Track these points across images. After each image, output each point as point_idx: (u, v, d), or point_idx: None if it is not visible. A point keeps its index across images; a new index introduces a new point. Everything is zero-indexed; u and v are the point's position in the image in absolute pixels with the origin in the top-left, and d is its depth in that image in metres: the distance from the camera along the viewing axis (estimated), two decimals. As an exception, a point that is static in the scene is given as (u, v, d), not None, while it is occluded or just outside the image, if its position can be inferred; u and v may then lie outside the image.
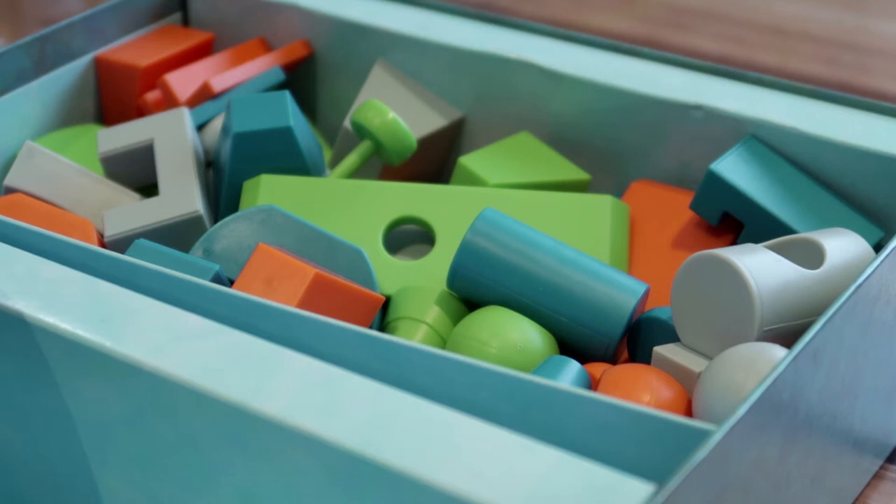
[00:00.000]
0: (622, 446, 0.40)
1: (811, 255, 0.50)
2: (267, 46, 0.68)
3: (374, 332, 0.43)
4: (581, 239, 0.56)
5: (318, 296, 0.48)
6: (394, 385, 0.40)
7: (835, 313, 0.44)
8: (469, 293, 0.52)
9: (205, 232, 0.55)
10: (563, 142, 0.63)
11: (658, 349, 0.49)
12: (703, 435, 0.39)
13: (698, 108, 0.59)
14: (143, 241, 0.50)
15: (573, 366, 0.47)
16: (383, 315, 0.54)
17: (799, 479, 0.45)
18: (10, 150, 0.62)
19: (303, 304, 0.47)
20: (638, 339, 0.52)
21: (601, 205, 0.57)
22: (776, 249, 0.50)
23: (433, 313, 0.52)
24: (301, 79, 0.69)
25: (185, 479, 0.42)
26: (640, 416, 0.40)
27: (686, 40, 0.91)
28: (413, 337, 0.52)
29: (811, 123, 0.57)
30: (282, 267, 0.47)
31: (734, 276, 0.47)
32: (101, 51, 0.66)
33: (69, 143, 0.62)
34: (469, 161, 0.60)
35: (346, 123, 0.63)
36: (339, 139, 0.63)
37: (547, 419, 0.41)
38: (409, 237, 0.57)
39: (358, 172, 0.61)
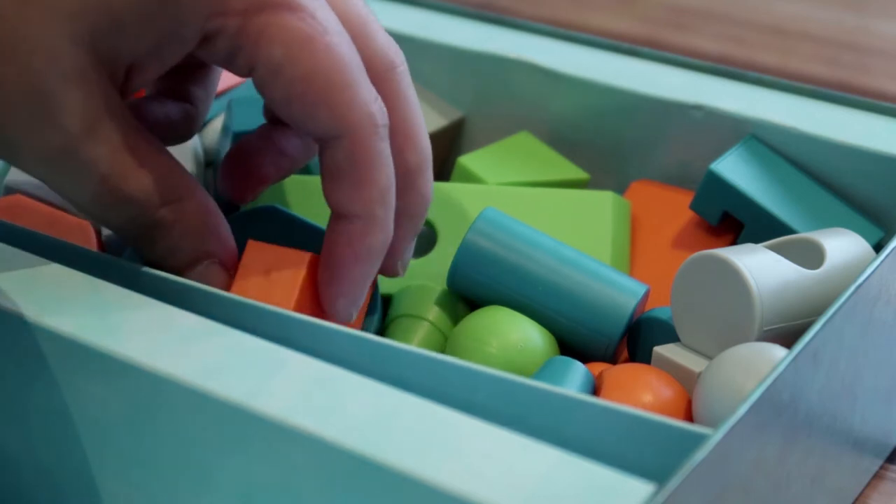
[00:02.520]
0: (622, 449, 0.40)
1: (811, 255, 0.50)
2: (267, 46, 0.68)
3: (372, 336, 0.43)
4: (582, 235, 0.56)
5: (316, 279, 0.47)
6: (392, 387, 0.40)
7: (835, 313, 0.44)
8: (469, 293, 0.52)
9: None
10: (563, 142, 0.63)
11: (658, 349, 0.49)
12: (702, 437, 0.39)
13: (698, 108, 0.59)
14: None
15: (578, 368, 0.47)
16: (385, 313, 0.54)
17: (799, 479, 0.45)
18: (10, 150, 0.62)
19: (304, 290, 0.46)
20: (638, 339, 0.52)
21: (602, 201, 0.57)
22: (776, 249, 0.50)
23: (435, 311, 0.52)
24: (301, 79, 0.69)
25: (185, 479, 0.42)
26: (640, 420, 0.40)
27: (686, 40, 0.91)
28: (415, 335, 0.52)
29: (811, 123, 0.57)
30: (276, 257, 0.47)
31: (734, 276, 0.47)
32: (101, 51, 0.66)
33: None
34: (469, 161, 0.60)
35: (346, 123, 0.63)
36: (339, 139, 0.63)
37: (546, 423, 0.41)
38: (409, 237, 0.57)
39: (358, 172, 0.61)
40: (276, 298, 0.46)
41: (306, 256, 0.47)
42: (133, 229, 0.45)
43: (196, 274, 0.46)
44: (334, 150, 0.45)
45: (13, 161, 0.44)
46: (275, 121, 0.51)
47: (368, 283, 0.47)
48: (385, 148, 0.46)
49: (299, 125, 0.46)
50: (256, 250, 0.47)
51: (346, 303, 0.47)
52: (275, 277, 0.47)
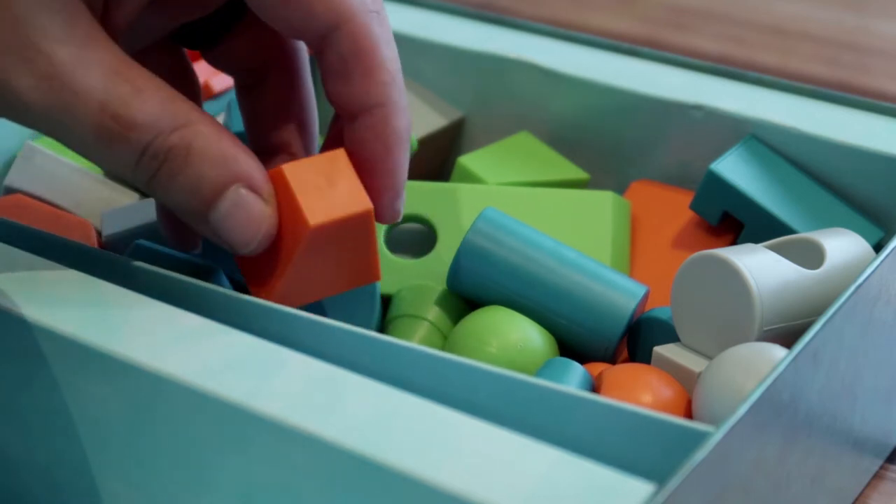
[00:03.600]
0: (622, 448, 0.40)
1: (811, 255, 0.50)
2: (267, 46, 0.68)
3: (373, 333, 0.43)
4: (582, 235, 0.56)
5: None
6: (392, 386, 0.40)
7: (835, 313, 0.44)
8: (469, 293, 0.52)
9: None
10: (563, 142, 0.63)
11: (658, 349, 0.49)
12: (702, 436, 0.39)
13: (698, 108, 0.59)
14: (142, 242, 0.50)
15: (577, 369, 0.47)
16: (385, 313, 0.54)
17: (799, 479, 0.45)
18: (10, 150, 0.62)
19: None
20: (638, 339, 0.52)
21: (602, 201, 0.57)
22: (776, 249, 0.50)
23: (435, 311, 0.52)
24: (301, 79, 0.69)
25: (185, 479, 0.42)
26: (640, 417, 0.40)
27: (686, 40, 0.91)
28: (415, 334, 0.52)
29: (811, 123, 0.57)
30: (314, 165, 0.45)
31: (734, 276, 0.47)
32: (101, 51, 0.66)
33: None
34: (468, 161, 0.60)
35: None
36: (339, 139, 0.63)
37: (546, 421, 0.41)
38: (410, 235, 0.57)
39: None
40: (347, 199, 0.44)
41: (341, 152, 0.45)
42: (148, 166, 0.42)
43: (228, 205, 0.43)
44: (336, 44, 0.44)
45: (11, 113, 0.42)
46: None
47: (406, 171, 0.46)
48: (384, 33, 0.45)
49: (297, 25, 0.44)
50: (293, 169, 0.44)
51: (392, 196, 0.46)
52: (331, 182, 0.44)
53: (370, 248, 0.46)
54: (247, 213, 0.43)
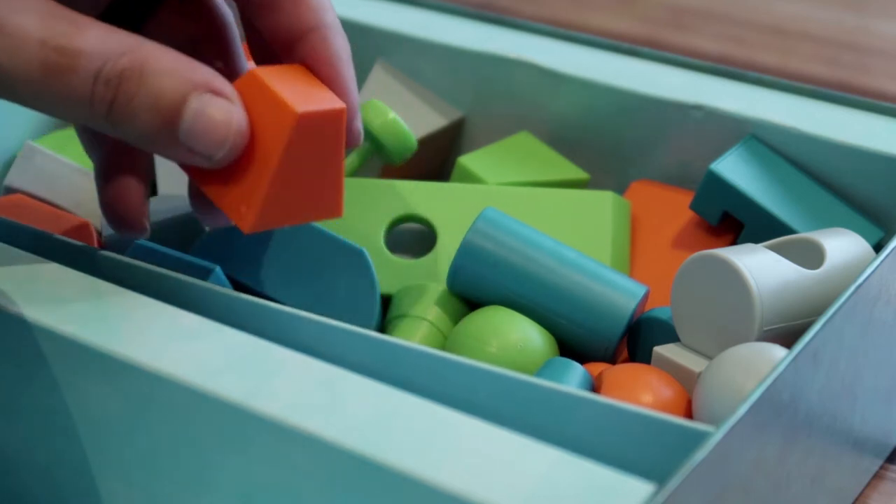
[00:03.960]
0: (622, 448, 0.40)
1: (811, 255, 0.50)
2: (267, 46, 0.68)
3: (373, 333, 0.43)
4: (582, 235, 0.56)
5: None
6: (392, 386, 0.40)
7: (835, 313, 0.44)
8: (469, 293, 0.52)
9: (203, 231, 0.54)
10: (563, 142, 0.63)
11: (658, 349, 0.49)
12: (702, 435, 0.39)
13: (698, 108, 0.59)
14: (142, 242, 0.50)
15: (577, 369, 0.47)
16: (385, 313, 0.54)
17: (799, 479, 0.45)
18: (10, 150, 0.62)
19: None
20: (638, 339, 0.52)
21: (602, 201, 0.57)
22: (776, 249, 0.50)
23: (435, 311, 0.52)
24: (301, 79, 0.69)
25: (185, 479, 0.42)
26: (640, 417, 0.40)
27: (686, 40, 0.91)
28: (415, 334, 0.52)
29: (811, 123, 0.57)
30: (282, 71, 0.44)
31: (734, 276, 0.47)
32: (101, 51, 0.66)
33: (69, 143, 0.62)
34: (468, 161, 0.60)
35: (346, 123, 0.63)
36: (339, 139, 0.63)
37: (546, 421, 0.41)
38: (410, 235, 0.57)
39: (358, 172, 0.61)
40: (321, 98, 0.43)
41: (300, 66, 0.45)
42: (104, 95, 0.41)
43: (192, 115, 0.41)
44: None
45: None
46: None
47: (356, 88, 0.45)
48: None
49: None
50: (264, 71, 0.44)
51: (350, 116, 0.45)
52: (301, 84, 0.44)
53: (340, 161, 0.44)
54: (212, 115, 0.42)
